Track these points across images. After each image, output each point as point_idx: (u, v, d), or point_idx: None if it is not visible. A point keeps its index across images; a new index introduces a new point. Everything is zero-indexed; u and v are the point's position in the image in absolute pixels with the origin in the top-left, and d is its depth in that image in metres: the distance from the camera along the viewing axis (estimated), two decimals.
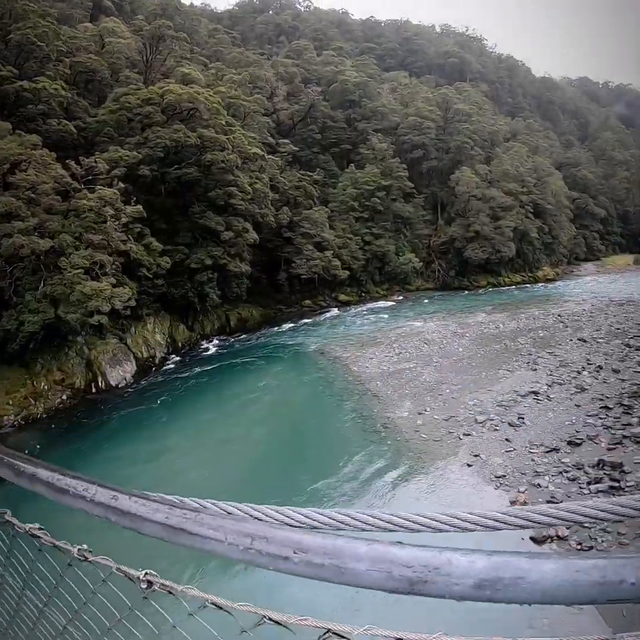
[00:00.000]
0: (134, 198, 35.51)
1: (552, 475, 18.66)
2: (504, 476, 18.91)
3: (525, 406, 25.34)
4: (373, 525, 1.16)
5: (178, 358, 38.71)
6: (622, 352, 32.90)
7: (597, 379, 28.42)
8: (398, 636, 0.98)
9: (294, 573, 0.99)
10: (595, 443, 20.90)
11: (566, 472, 18.75)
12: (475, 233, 64.29)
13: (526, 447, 21.08)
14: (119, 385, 32.97)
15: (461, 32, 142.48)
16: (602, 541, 14.99)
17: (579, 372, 29.64)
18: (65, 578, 1.77)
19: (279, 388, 32.43)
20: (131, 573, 1.32)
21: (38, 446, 24.17)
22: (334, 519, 1.19)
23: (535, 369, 31.01)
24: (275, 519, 1.22)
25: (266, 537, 1.03)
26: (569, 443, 21.01)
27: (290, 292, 55.49)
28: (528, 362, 32.43)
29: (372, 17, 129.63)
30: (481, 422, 23.79)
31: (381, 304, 57.73)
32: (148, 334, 38.67)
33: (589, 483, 17.85)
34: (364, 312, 53.35)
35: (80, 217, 31.63)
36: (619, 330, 38.42)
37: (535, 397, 26.32)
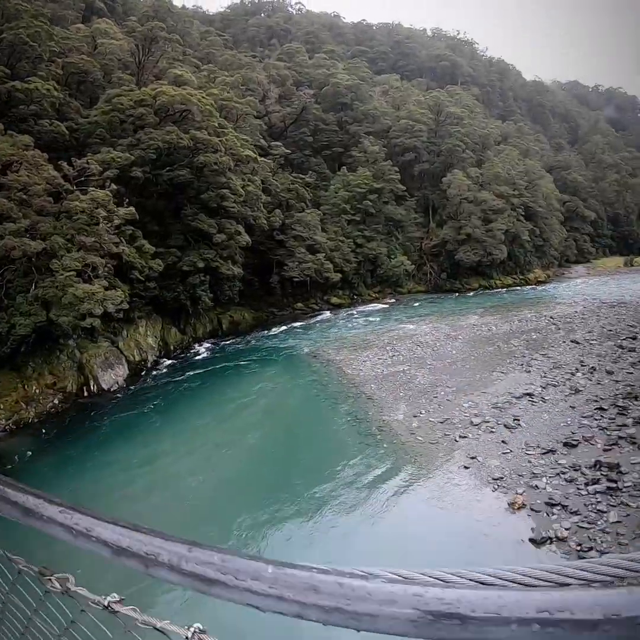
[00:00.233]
0: (127, 200, 35.22)
1: (550, 477, 18.66)
2: (502, 478, 18.89)
3: (520, 408, 25.36)
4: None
5: (170, 361, 38.41)
6: (614, 353, 33.06)
7: (591, 380, 28.53)
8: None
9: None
10: (591, 444, 20.95)
11: (563, 473, 18.76)
12: (467, 236, 64.48)
13: (522, 448, 21.08)
14: (111, 389, 32.63)
15: (452, 35, 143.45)
16: (602, 542, 15.00)
17: (572, 374, 29.74)
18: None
19: (273, 391, 32.25)
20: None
21: (29, 453, 23.80)
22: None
23: (529, 371, 31.08)
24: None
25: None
26: (565, 444, 21.05)
27: (282, 295, 55.33)
28: (522, 364, 32.49)
29: (363, 20, 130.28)
30: (477, 424, 23.77)
31: (373, 306, 57.76)
32: (140, 337, 38.35)
33: (586, 484, 17.87)
34: (356, 315, 53.30)
35: (72, 218, 31.31)
36: (611, 332, 38.62)
37: (530, 399, 26.35)
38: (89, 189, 32.71)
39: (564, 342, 37.14)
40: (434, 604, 0.78)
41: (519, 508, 17.04)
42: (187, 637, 1.11)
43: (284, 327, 48.60)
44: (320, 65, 78.73)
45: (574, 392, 26.91)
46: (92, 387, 32.08)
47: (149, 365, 37.21)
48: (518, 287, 67.49)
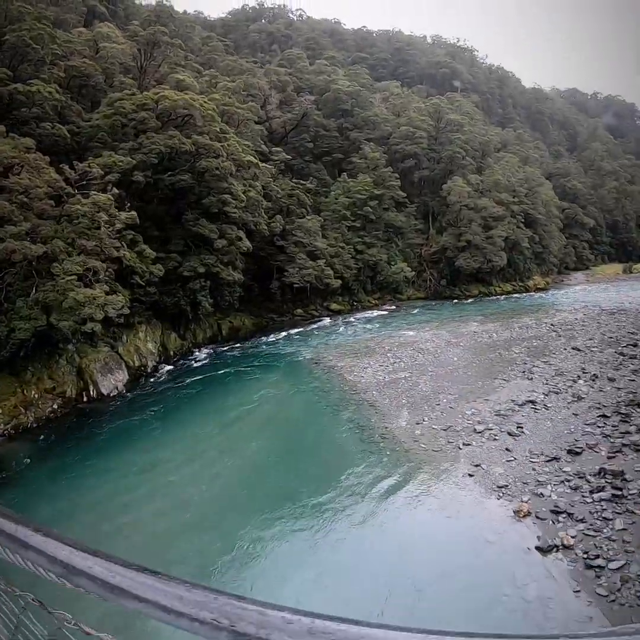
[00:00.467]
0: (128, 204, 35.12)
1: (554, 485, 18.51)
2: (506, 486, 18.73)
3: (523, 415, 25.23)
4: None
5: (170, 367, 38.18)
6: (616, 360, 33.01)
7: (593, 387, 28.43)
8: None
9: None
10: (595, 452, 20.82)
11: (568, 481, 18.63)
12: (467, 242, 64.56)
13: (526, 456, 20.93)
14: (111, 395, 32.41)
15: (452, 42, 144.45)
16: (608, 549, 14.85)
17: (574, 381, 29.64)
18: None
19: (275, 398, 32.01)
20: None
21: (27, 460, 23.51)
22: None
23: (531, 378, 30.96)
24: None
25: None
26: (569, 452, 20.92)
27: (282, 301, 55.19)
28: (523, 371, 32.38)
29: (364, 27, 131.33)
30: (480, 432, 23.62)
31: (373, 313, 57.67)
32: (140, 343, 38.15)
33: (591, 492, 17.73)
34: (356, 322, 53.21)
35: (74, 222, 31.15)
36: (612, 339, 38.60)
37: (533, 406, 26.23)
38: (90, 193, 32.59)
39: (565, 349, 37.07)
40: None
41: (524, 516, 16.89)
42: None
43: (283, 333, 48.46)
44: (321, 72, 79.05)
45: (576, 399, 26.80)
46: (91, 392, 31.85)
47: (148, 370, 37.00)
48: (517, 294, 67.62)
